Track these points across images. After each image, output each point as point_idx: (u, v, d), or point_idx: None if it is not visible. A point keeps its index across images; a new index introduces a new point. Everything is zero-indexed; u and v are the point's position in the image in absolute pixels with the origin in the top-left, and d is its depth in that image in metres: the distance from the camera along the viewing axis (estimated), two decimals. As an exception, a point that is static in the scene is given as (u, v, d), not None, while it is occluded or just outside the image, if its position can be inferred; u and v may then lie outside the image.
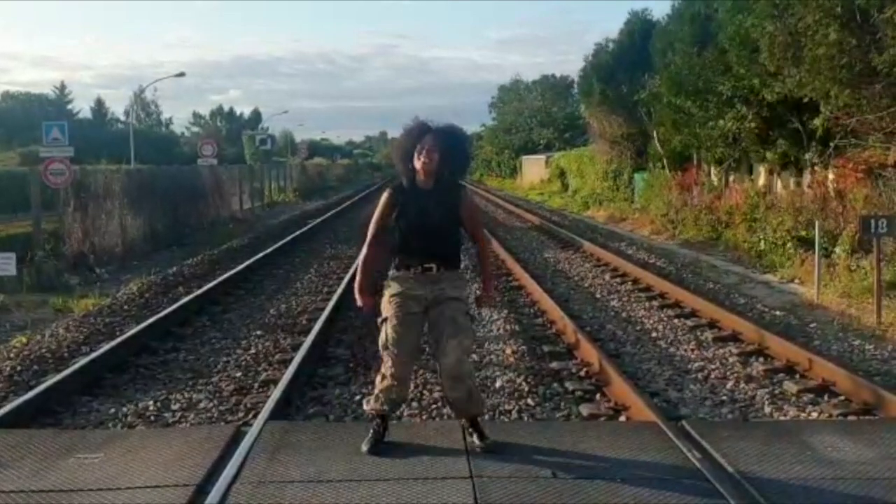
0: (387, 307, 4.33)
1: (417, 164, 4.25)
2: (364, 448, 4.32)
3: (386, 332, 4.28)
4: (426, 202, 4.25)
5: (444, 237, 4.31)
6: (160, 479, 3.99)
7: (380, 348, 4.37)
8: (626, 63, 24.88)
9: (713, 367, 6.93)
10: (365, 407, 4.58)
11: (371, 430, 4.40)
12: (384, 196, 4.38)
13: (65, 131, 15.48)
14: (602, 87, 25.98)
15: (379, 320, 4.37)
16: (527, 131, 58.99)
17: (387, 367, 4.29)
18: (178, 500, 3.76)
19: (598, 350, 6.89)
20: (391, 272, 4.38)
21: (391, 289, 4.34)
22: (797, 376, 6.51)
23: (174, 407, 6.06)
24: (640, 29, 25.32)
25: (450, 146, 4.28)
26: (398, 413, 5.68)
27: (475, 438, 4.39)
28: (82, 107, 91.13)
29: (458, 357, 4.24)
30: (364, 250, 4.43)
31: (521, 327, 8.55)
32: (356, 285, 4.43)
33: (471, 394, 4.37)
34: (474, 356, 7.27)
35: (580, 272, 12.78)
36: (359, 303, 4.42)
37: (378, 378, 4.38)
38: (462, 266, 4.54)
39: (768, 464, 4.18)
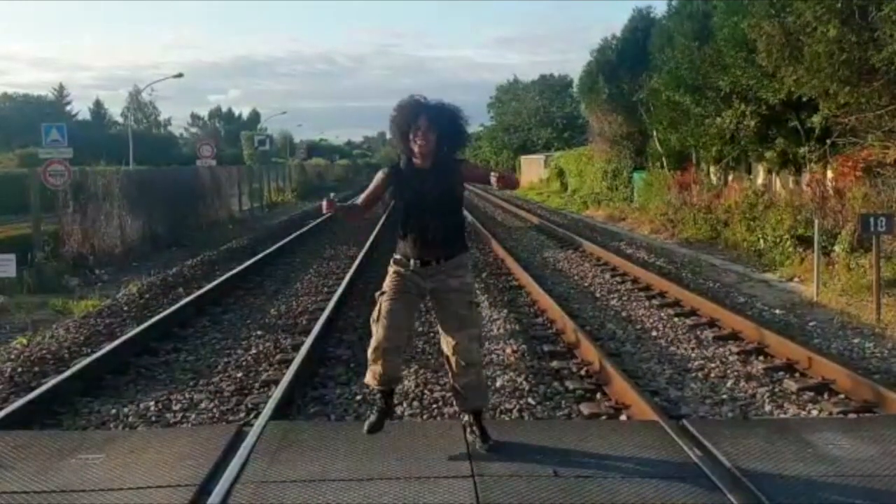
0: (387, 282, 4.34)
1: (414, 147, 4.20)
2: (364, 428, 4.34)
3: (379, 306, 4.29)
4: (423, 182, 4.22)
5: (443, 218, 4.25)
6: (162, 480, 4.00)
7: (371, 322, 4.36)
8: (627, 61, 24.83)
9: (713, 365, 6.94)
10: (365, 380, 4.55)
11: (375, 409, 4.42)
12: (380, 173, 4.38)
13: (64, 133, 15.49)
14: (606, 84, 25.91)
15: (377, 294, 4.38)
16: (525, 131, 59.05)
17: (374, 338, 4.29)
18: (181, 500, 3.76)
19: (599, 349, 6.90)
20: (395, 255, 4.37)
21: (393, 267, 4.36)
22: (797, 374, 6.52)
23: (175, 407, 6.06)
24: (643, 27, 25.22)
25: (446, 125, 4.24)
26: (399, 413, 5.69)
27: (478, 439, 4.38)
28: (81, 108, 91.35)
29: (466, 346, 4.25)
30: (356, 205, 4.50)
31: (521, 327, 8.56)
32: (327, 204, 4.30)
33: (480, 382, 4.40)
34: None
35: (580, 272, 12.79)
36: (324, 208, 4.27)
37: (369, 353, 4.36)
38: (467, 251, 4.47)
39: (769, 461, 4.19)
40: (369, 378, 4.39)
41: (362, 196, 4.46)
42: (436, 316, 4.43)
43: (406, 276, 4.29)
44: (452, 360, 4.29)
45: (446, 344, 4.31)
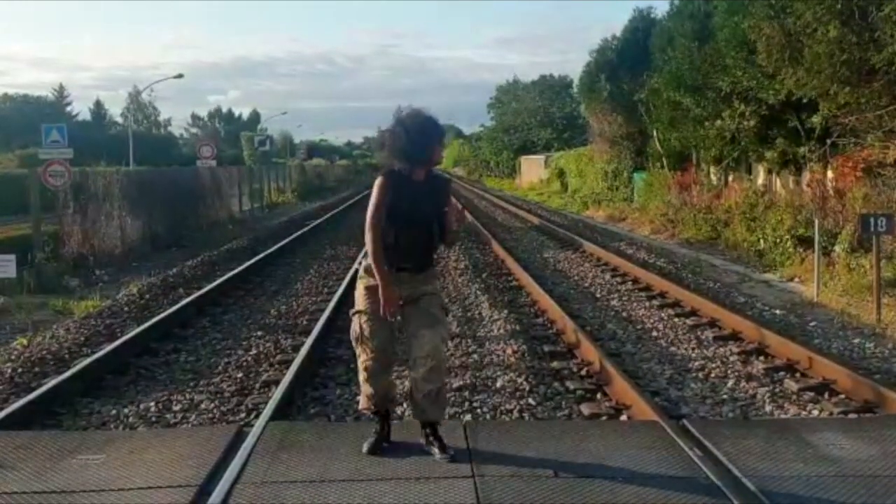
0: (360, 299, 4.26)
1: (437, 158, 4.28)
2: (364, 448, 4.31)
3: (360, 325, 4.22)
4: (420, 193, 4.21)
5: (429, 232, 4.27)
6: (162, 480, 4.00)
7: (352, 342, 4.31)
8: (628, 61, 24.82)
9: (714, 365, 6.94)
10: (359, 406, 4.55)
11: (373, 431, 4.39)
12: (379, 181, 4.25)
13: (64, 133, 15.46)
14: (606, 84, 25.90)
15: (351, 312, 4.32)
16: (525, 131, 59.03)
17: (361, 360, 4.26)
18: (181, 500, 3.76)
19: (599, 349, 6.90)
20: (366, 262, 4.29)
21: (365, 280, 4.28)
22: (797, 375, 6.52)
23: (175, 408, 6.06)
24: (643, 27, 25.21)
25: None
26: (399, 413, 5.69)
27: (436, 450, 4.23)
28: (81, 108, 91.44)
29: (435, 345, 4.15)
30: (370, 235, 4.18)
31: (522, 327, 8.56)
32: (381, 279, 4.12)
33: (442, 392, 4.29)
34: (474, 356, 7.28)
35: (580, 272, 12.79)
36: (384, 300, 4.09)
37: (360, 377, 4.33)
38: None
39: (769, 462, 4.19)
40: (363, 402, 4.35)
41: (372, 208, 4.20)
42: (406, 320, 4.27)
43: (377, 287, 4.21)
44: (419, 362, 4.13)
45: (415, 344, 4.16)
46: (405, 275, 4.23)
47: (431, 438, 4.29)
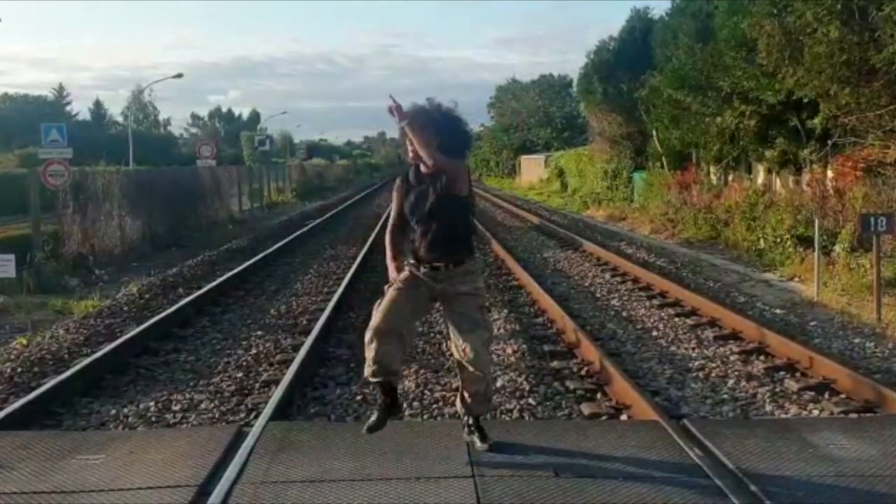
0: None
1: (415, 148, 4.24)
2: (364, 427, 4.24)
3: (383, 292, 4.30)
4: (427, 187, 4.23)
5: (448, 223, 4.24)
6: (162, 480, 3.99)
7: (373, 311, 4.30)
8: (626, 61, 24.80)
9: (714, 365, 6.93)
10: (364, 375, 4.43)
11: (375, 407, 4.34)
12: (396, 183, 4.45)
13: (63, 133, 15.46)
14: (603, 85, 25.93)
15: (385, 287, 4.35)
16: (525, 131, 59.06)
17: (371, 323, 4.21)
18: (180, 500, 3.76)
19: (599, 349, 6.90)
20: (407, 259, 4.39)
21: (407, 267, 4.35)
22: (798, 374, 6.51)
23: (175, 408, 6.06)
24: (641, 27, 25.22)
25: (433, 131, 4.23)
26: (399, 414, 5.68)
27: (476, 439, 4.36)
28: (81, 108, 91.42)
29: (477, 351, 4.20)
30: (388, 232, 4.47)
31: (522, 327, 8.55)
32: (389, 257, 4.40)
33: (487, 391, 4.39)
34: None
35: (580, 271, 12.78)
36: (392, 274, 4.34)
37: (365, 339, 4.24)
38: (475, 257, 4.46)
39: (770, 461, 4.18)
40: (366, 370, 4.26)
41: (392, 213, 4.45)
42: (445, 319, 4.40)
43: (417, 274, 4.29)
44: (465, 367, 4.23)
45: (458, 349, 4.24)
46: (440, 273, 4.25)
47: (473, 429, 4.41)
